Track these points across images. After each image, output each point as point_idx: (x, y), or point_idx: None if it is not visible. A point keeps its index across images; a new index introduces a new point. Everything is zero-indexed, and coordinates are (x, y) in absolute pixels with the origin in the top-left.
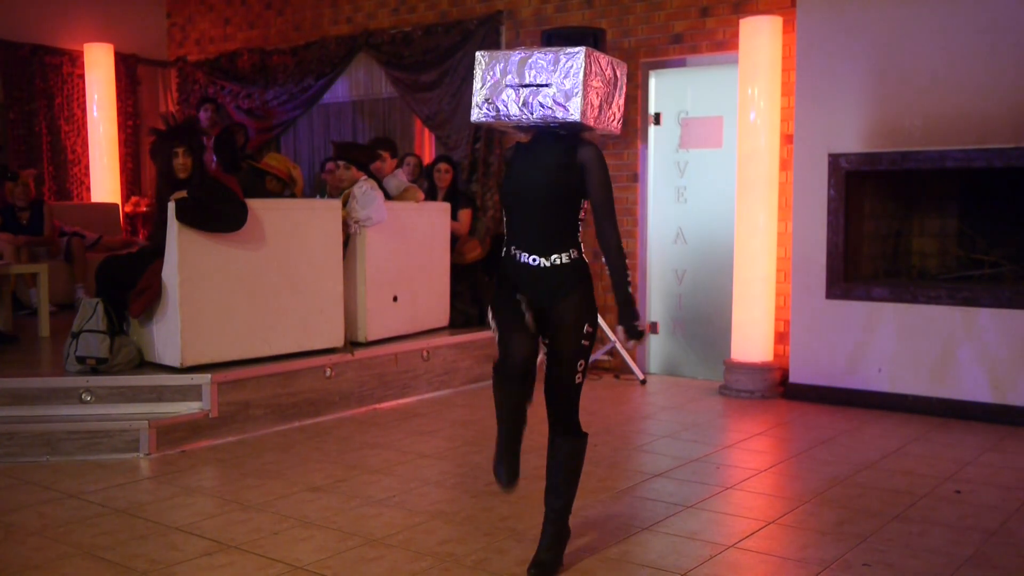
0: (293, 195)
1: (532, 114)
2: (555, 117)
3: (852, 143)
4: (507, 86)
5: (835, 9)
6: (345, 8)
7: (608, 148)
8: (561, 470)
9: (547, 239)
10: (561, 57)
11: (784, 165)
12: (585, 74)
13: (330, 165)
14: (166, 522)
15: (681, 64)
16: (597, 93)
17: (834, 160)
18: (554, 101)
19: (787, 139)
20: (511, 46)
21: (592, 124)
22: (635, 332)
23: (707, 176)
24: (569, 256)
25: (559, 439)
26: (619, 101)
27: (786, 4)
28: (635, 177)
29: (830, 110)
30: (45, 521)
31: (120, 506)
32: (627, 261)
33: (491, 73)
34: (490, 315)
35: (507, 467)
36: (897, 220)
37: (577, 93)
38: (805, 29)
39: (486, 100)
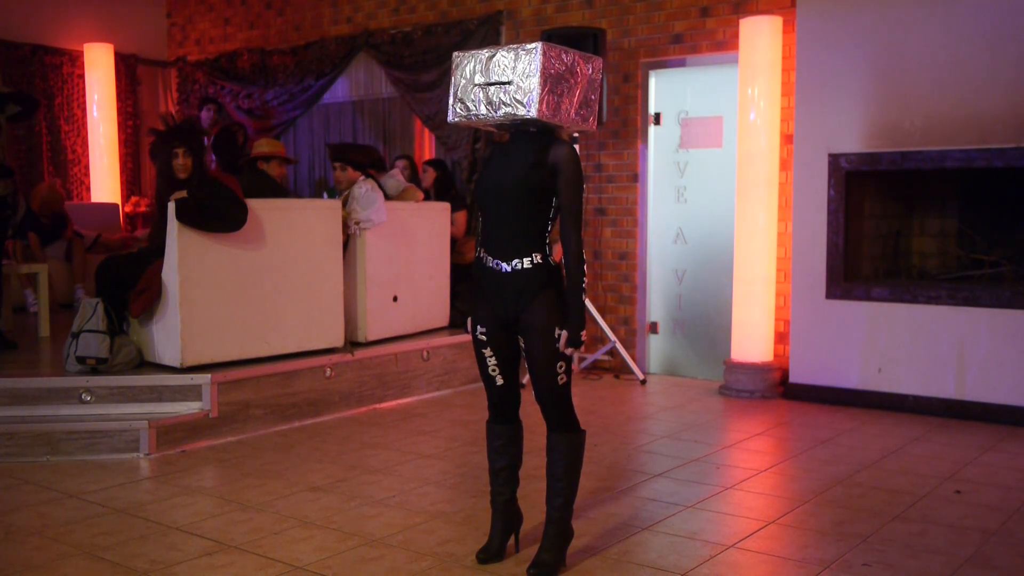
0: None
1: (496, 113)
2: (516, 115)
3: (852, 143)
4: (475, 85)
5: (835, 9)
6: (345, 8)
7: (608, 148)
8: (559, 466)
9: (511, 242)
10: (520, 54)
11: (784, 165)
12: (543, 70)
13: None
14: (166, 522)
15: (681, 64)
16: (559, 90)
17: (834, 160)
18: (513, 98)
19: (787, 139)
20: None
21: (551, 120)
22: (576, 341)
23: (707, 176)
24: (532, 261)
25: (555, 435)
26: (593, 97)
27: (786, 4)
28: (635, 177)
29: (830, 110)
30: (45, 521)
31: (120, 506)
32: (627, 261)
33: (463, 73)
34: (469, 327)
35: (491, 544)
36: (897, 220)
37: (533, 89)
38: (805, 29)
39: (459, 100)
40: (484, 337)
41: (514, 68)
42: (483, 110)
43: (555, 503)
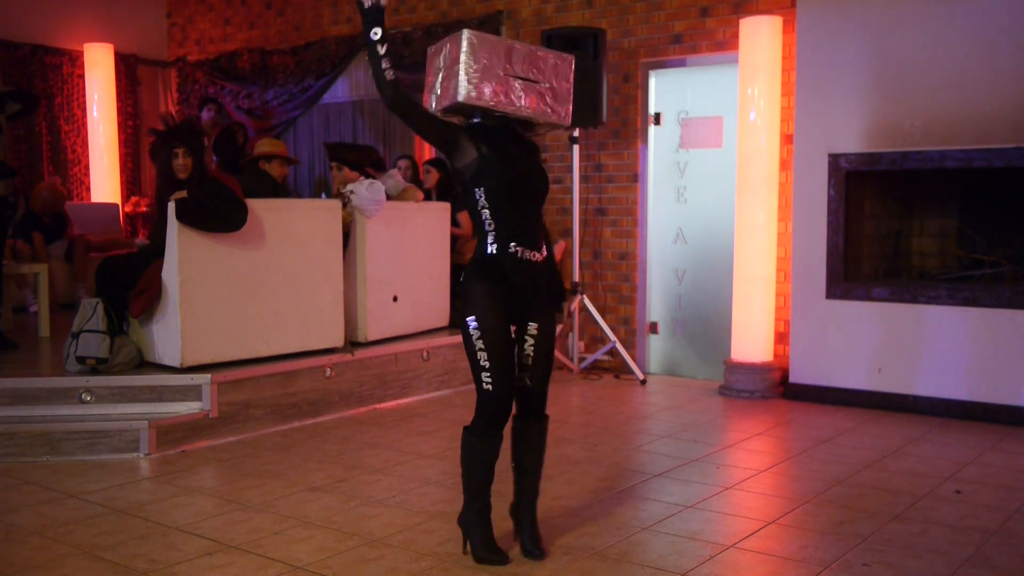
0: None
1: (528, 107)
2: (548, 116)
3: (852, 143)
4: (503, 74)
5: (835, 9)
6: (345, 8)
7: (608, 148)
8: (538, 451)
9: (538, 233)
10: (559, 60)
11: (784, 165)
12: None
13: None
14: (166, 522)
15: (681, 64)
16: None
17: (834, 160)
18: (553, 100)
19: (787, 139)
20: None
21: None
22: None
23: (707, 176)
24: (547, 249)
25: (533, 422)
26: None
27: (786, 4)
28: (635, 177)
29: (830, 110)
30: (45, 521)
31: (120, 506)
32: (627, 261)
33: (484, 56)
34: (478, 339)
35: (495, 544)
36: (897, 220)
37: (569, 97)
38: (805, 29)
39: (479, 81)
40: (534, 331)
41: (549, 72)
42: (507, 100)
43: (535, 484)
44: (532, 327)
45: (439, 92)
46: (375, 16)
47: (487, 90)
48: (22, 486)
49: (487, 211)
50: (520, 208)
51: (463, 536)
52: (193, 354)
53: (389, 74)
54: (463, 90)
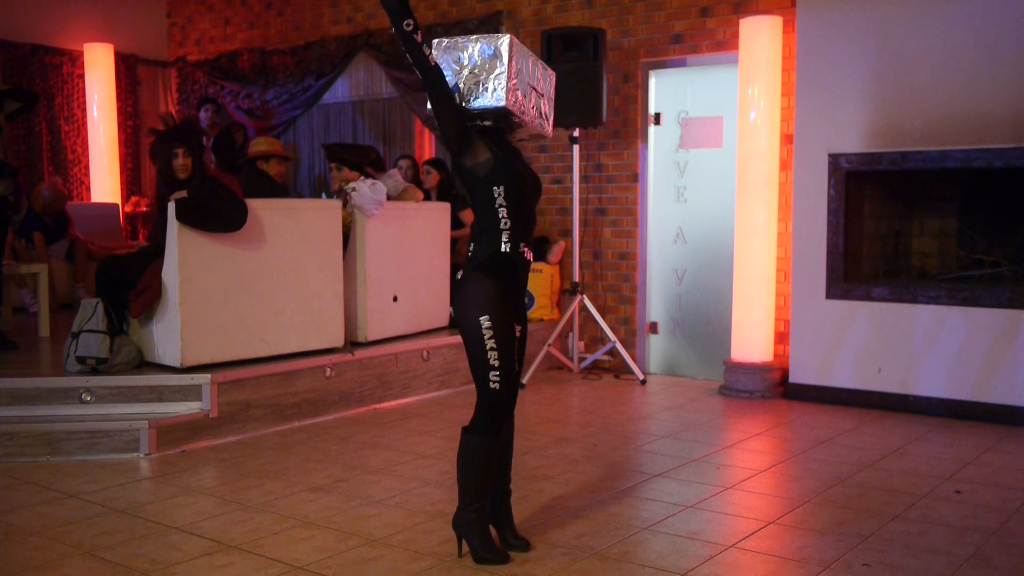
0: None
1: (546, 123)
2: (543, 125)
3: (852, 143)
4: (527, 84)
5: (835, 9)
6: (345, 8)
7: (608, 148)
8: (511, 448)
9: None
10: (549, 74)
11: (784, 165)
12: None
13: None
14: (166, 522)
15: (681, 64)
16: None
17: (834, 160)
18: (546, 109)
19: (787, 139)
20: None
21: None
22: None
23: (707, 176)
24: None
25: (507, 422)
26: None
27: (786, 4)
28: (635, 177)
29: (830, 110)
30: (45, 521)
31: (120, 506)
32: (627, 261)
33: (519, 65)
34: (490, 339)
35: (494, 544)
36: (897, 220)
37: (553, 110)
38: (805, 29)
39: (518, 90)
40: (519, 334)
41: (547, 84)
42: (526, 109)
43: (509, 478)
44: (517, 329)
45: (469, 90)
46: (403, 8)
47: (521, 100)
48: (22, 486)
49: (504, 209)
50: (521, 208)
51: (458, 538)
52: (193, 354)
53: (432, 60)
54: (507, 99)
